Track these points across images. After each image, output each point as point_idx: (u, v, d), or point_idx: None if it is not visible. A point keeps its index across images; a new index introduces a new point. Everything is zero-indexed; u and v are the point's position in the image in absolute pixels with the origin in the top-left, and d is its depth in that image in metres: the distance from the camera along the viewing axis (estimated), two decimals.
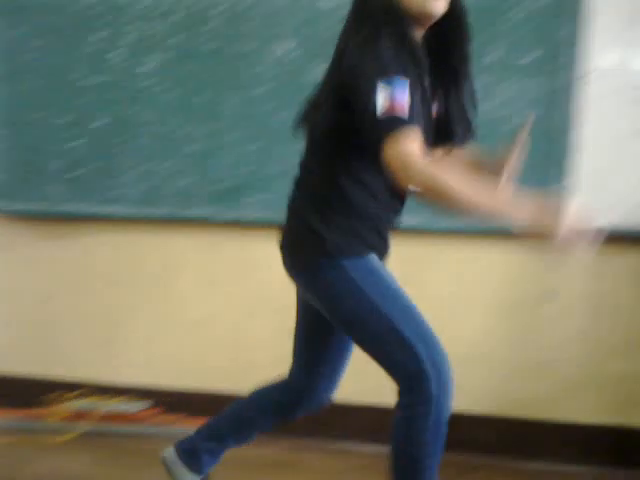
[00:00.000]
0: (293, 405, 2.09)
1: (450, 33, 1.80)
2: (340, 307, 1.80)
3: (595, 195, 2.92)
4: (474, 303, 3.05)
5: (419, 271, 3.05)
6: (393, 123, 1.58)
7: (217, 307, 3.28)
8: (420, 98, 1.67)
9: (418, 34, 1.77)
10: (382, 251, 1.90)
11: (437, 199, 1.62)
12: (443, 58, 1.81)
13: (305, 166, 1.91)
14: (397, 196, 1.87)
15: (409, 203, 1.91)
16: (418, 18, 1.74)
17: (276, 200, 3.04)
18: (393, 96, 1.58)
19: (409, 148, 1.58)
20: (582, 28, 2.87)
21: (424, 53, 1.73)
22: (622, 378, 2.98)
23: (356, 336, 1.83)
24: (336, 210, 1.79)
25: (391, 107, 1.58)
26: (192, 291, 3.30)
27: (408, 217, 2.06)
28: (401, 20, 1.70)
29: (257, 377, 2.21)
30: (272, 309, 3.18)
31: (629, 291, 3.00)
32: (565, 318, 2.99)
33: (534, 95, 2.90)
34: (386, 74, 1.60)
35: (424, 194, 1.64)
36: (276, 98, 3.13)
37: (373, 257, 1.82)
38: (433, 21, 1.77)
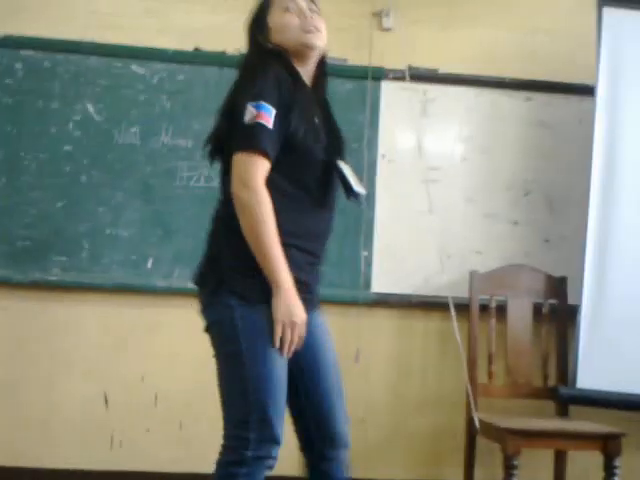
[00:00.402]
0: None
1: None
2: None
3: (394, 265, 3.15)
4: None
5: None
6: (255, 134, 1.74)
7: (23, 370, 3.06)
8: (301, 118, 1.80)
9: (304, 68, 1.92)
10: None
11: (244, 223, 1.74)
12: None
13: (218, 200, 1.93)
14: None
15: None
16: (299, 53, 1.90)
17: (82, 261, 3.03)
18: (259, 111, 1.75)
19: (255, 168, 1.74)
20: (381, 115, 3.18)
21: (303, 83, 1.88)
22: (427, 432, 3.14)
23: None
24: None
25: (257, 116, 1.74)
26: None
27: None
28: (275, 57, 1.86)
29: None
30: (75, 377, 3.05)
31: (434, 351, 3.18)
32: (373, 377, 3.09)
33: None
34: (255, 99, 1.76)
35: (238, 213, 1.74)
36: (85, 157, 3.08)
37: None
38: (315, 54, 1.92)
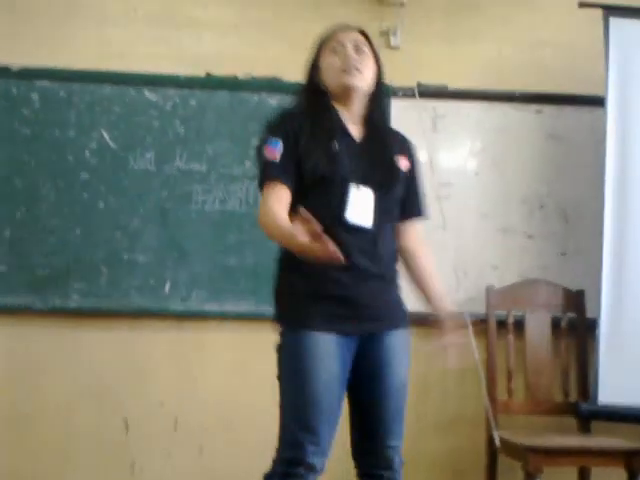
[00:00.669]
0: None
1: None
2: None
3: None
4: None
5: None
6: (264, 171, 1.97)
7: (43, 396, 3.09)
8: (313, 143, 1.95)
9: (349, 107, 2.04)
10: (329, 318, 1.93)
11: (270, 238, 1.93)
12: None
13: None
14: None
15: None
16: (339, 93, 2.03)
17: (101, 287, 3.07)
18: (266, 146, 1.96)
19: (266, 197, 1.95)
20: None
21: (335, 117, 2.02)
22: (448, 452, 3.14)
23: None
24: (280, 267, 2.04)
25: (265, 152, 1.96)
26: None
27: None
28: (316, 93, 2.04)
29: None
30: (95, 403, 3.07)
31: (453, 371, 3.16)
32: None
33: None
34: (263, 138, 2.00)
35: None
36: (102, 183, 3.13)
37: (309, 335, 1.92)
38: (356, 94, 2.03)
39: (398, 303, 2.07)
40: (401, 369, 2.02)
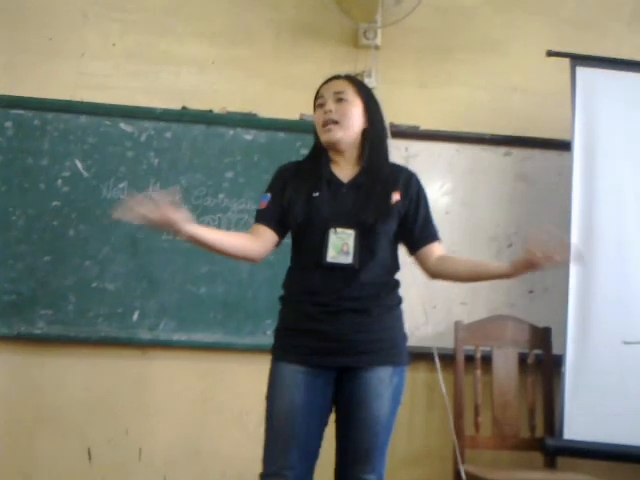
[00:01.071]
0: None
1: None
2: None
3: None
4: None
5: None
6: (255, 217, 2.20)
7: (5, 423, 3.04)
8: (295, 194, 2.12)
9: (341, 155, 2.15)
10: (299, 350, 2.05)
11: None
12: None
13: None
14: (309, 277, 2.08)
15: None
16: (329, 147, 2.15)
17: (68, 314, 3.03)
18: (261, 200, 2.19)
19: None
20: None
21: (323, 167, 2.14)
22: None
23: None
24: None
25: (259, 205, 2.20)
26: None
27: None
28: (314, 149, 2.20)
29: None
30: (59, 431, 3.03)
31: (420, 403, 3.19)
32: None
33: None
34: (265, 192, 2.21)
35: None
36: (73, 211, 3.12)
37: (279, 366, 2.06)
38: (338, 144, 2.12)
39: (387, 340, 2.08)
40: (377, 405, 2.03)
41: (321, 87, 2.19)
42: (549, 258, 1.90)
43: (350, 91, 2.14)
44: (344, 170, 2.15)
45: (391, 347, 2.08)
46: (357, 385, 2.03)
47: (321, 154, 2.17)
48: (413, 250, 2.16)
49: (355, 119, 2.12)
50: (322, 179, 2.12)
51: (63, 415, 3.05)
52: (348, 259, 2.04)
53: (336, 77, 2.19)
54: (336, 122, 2.10)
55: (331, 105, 2.11)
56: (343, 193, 2.11)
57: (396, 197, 2.11)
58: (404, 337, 2.14)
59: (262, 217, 2.16)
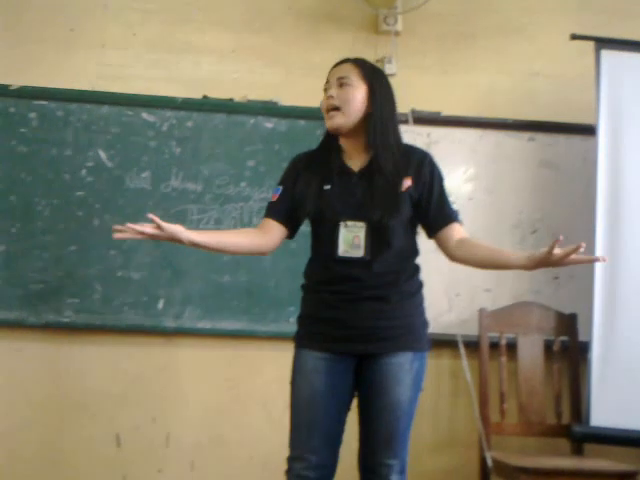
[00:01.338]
0: None
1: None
2: None
3: None
4: None
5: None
6: (266, 210, 2.22)
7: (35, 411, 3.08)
8: (305, 187, 2.13)
9: (348, 140, 2.13)
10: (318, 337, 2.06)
11: None
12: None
13: None
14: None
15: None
16: (335, 134, 2.13)
17: (94, 303, 3.06)
18: (273, 193, 2.22)
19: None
20: None
21: (333, 158, 2.13)
22: (440, 473, 3.12)
23: None
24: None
25: (271, 198, 2.21)
26: None
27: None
28: (326, 136, 2.18)
29: None
30: (88, 418, 3.07)
31: (445, 390, 3.19)
32: None
33: None
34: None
35: None
36: (97, 201, 3.14)
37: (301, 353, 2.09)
38: (342, 130, 2.10)
39: (406, 326, 2.07)
40: (398, 391, 2.03)
41: (329, 73, 2.16)
42: (569, 258, 1.89)
43: (354, 75, 2.10)
44: (355, 158, 2.13)
45: (410, 333, 2.07)
46: (378, 371, 2.03)
47: (332, 143, 2.17)
48: (431, 233, 2.14)
49: (357, 104, 2.08)
50: (333, 171, 2.12)
51: (91, 402, 3.08)
52: (359, 252, 2.04)
53: (343, 61, 2.16)
54: (337, 108, 2.07)
55: (333, 91, 2.09)
56: (354, 184, 2.09)
57: (407, 183, 2.08)
58: (424, 323, 2.14)
59: (272, 211, 2.18)
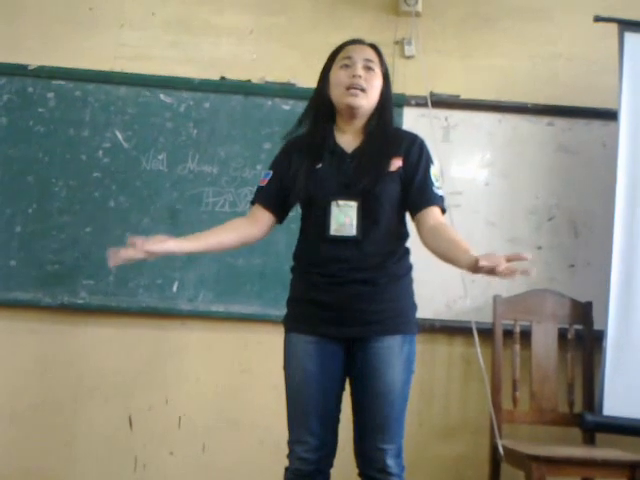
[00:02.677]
0: None
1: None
2: None
3: (416, 289, 3.04)
4: None
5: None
6: (255, 194, 2.24)
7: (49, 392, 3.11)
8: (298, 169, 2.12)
9: (350, 122, 2.12)
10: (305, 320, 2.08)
11: None
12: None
13: None
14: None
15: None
16: (341, 110, 2.11)
17: (109, 285, 3.09)
18: (263, 177, 2.23)
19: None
20: None
21: (328, 134, 2.13)
22: (451, 459, 3.13)
23: None
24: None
25: (260, 182, 2.23)
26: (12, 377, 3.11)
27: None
28: (320, 107, 2.15)
29: None
30: (101, 399, 3.10)
31: (457, 376, 3.18)
32: None
33: None
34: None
35: None
36: (114, 183, 3.15)
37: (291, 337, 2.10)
38: (357, 112, 2.09)
39: (394, 309, 2.07)
40: (389, 374, 2.03)
41: (348, 47, 2.15)
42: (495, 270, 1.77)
43: (377, 62, 2.14)
44: (349, 138, 2.14)
45: (399, 316, 2.07)
46: (368, 355, 2.04)
47: (326, 119, 2.15)
48: (412, 214, 2.13)
49: (377, 91, 2.13)
50: (325, 150, 2.12)
51: (105, 383, 3.11)
52: (352, 231, 2.05)
53: (366, 43, 2.17)
54: (363, 89, 2.08)
55: (361, 71, 2.09)
56: (346, 163, 2.10)
57: (397, 163, 2.09)
58: (413, 306, 2.13)
59: (261, 197, 2.19)
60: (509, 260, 1.80)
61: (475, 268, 1.81)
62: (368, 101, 2.10)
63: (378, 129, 2.14)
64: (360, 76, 2.08)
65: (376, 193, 2.05)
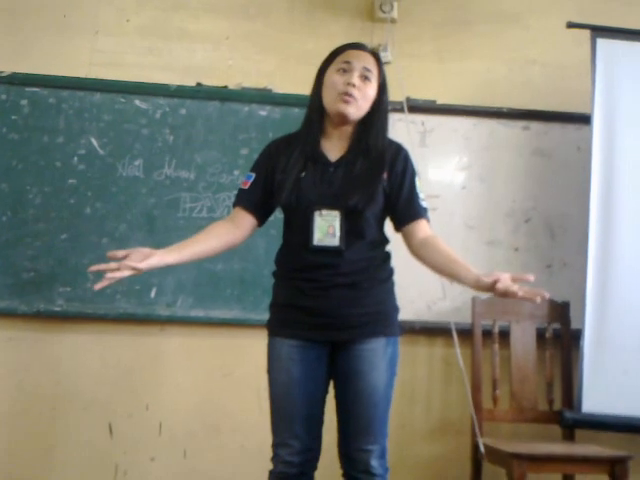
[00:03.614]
0: None
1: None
2: None
3: (396, 291, 3.12)
4: None
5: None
6: (236, 196, 2.20)
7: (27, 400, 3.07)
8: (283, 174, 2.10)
9: (339, 128, 2.11)
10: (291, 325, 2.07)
11: None
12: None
13: None
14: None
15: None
16: (331, 115, 2.09)
17: (86, 291, 3.04)
18: (244, 179, 2.20)
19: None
20: None
21: (314, 142, 2.11)
22: (433, 459, 3.14)
23: None
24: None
25: (243, 184, 2.19)
26: None
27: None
28: (315, 114, 2.13)
29: None
30: (80, 406, 3.07)
31: (438, 377, 3.20)
32: None
33: None
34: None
35: None
36: (89, 189, 3.13)
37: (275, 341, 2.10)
38: (347, 119, 2.08)
39: (378, 312, 2.08)
40: (373, 376, 2.04)
41: (349, 51, 2.12)
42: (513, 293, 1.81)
43: (375, 72, 2.11)
44: (334, 146, 2.13)
45: (383, 319, 2.08)
46: (351, 358, 2.04)
47: (315, 126, 2.13)
48: (397, 227, 2.14)
49: (369, 102, 2.10)
50: (309, 158, 2.10)
51: (84, 391, 3.07)
52: (334, 241, 2.04)
53: (364, 48, 2.14)
54: (355, 99, 2.06)
55: (357, 80, 2.06)
56: (330, 172, 2.09)
57: (383, 177, 2.09)
58: (395, 309, 2.15)
59: (243, 199, 2.17)
60: (514, 280, 1.85)
61: (486, 288, 1.87)
62: (358, 111, 2.08)
63: (364, 141, 2.11)
64: (355, 85, 2.06)
65: (363, 211, 2.05)
